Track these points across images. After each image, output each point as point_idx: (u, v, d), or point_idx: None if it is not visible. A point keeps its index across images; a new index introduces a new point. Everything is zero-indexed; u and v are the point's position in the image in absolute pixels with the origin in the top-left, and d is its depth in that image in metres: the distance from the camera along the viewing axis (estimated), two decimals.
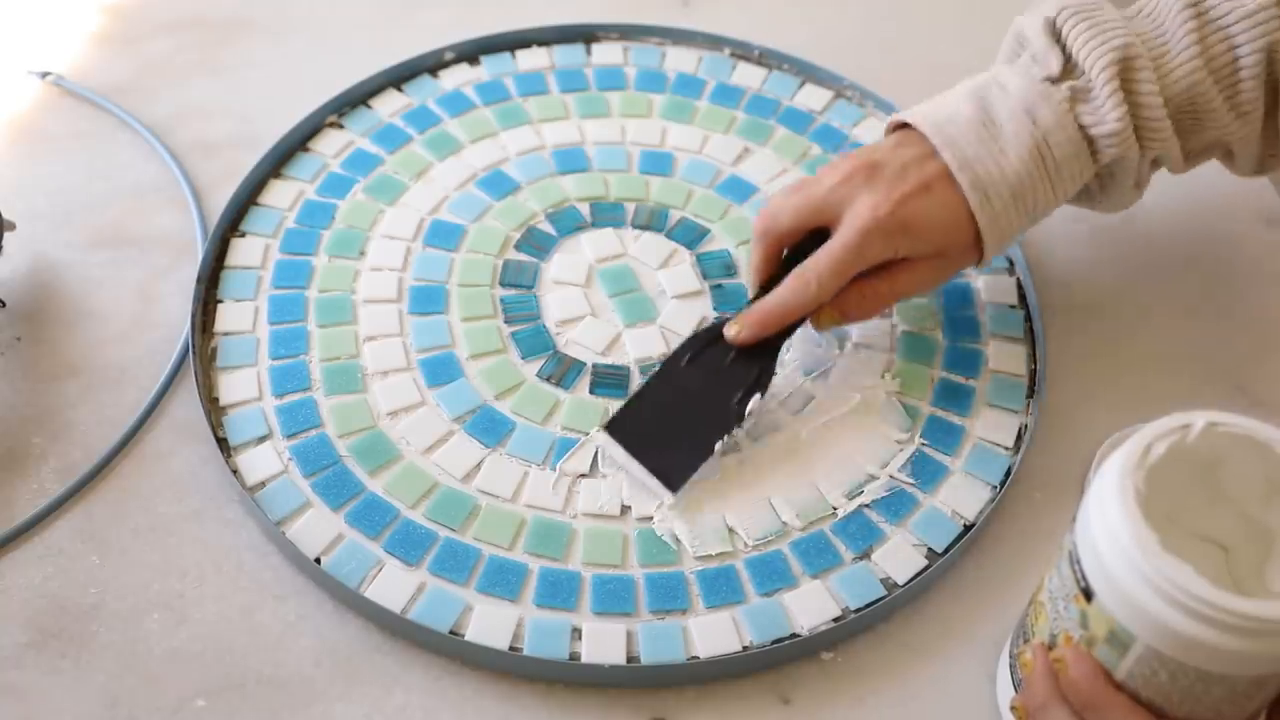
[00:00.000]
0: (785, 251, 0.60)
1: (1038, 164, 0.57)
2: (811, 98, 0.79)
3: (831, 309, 0.59)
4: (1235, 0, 0.56)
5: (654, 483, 0.58)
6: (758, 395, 0.59)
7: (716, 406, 0.59)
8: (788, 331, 0.60)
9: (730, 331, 0.60)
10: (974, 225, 0.58)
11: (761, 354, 0.60)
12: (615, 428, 0.60)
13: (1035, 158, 0.57)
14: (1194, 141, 0.59)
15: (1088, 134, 0.57)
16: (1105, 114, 0.57)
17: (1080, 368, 0.66)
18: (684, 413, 0.59)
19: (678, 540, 0.57)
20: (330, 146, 0.74)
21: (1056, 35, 0.58)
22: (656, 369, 0.61)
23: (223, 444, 0.60)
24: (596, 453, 0.60)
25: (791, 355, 0.65)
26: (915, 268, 0.59)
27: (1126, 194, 0.61)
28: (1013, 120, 0.58)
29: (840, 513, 0.59)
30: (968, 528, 0.58)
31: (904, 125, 0.60)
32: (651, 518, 0.58)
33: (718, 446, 0.58)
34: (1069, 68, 0.58)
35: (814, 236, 0.59)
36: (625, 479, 0.59)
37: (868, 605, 0.55)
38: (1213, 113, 0.57)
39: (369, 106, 0.76)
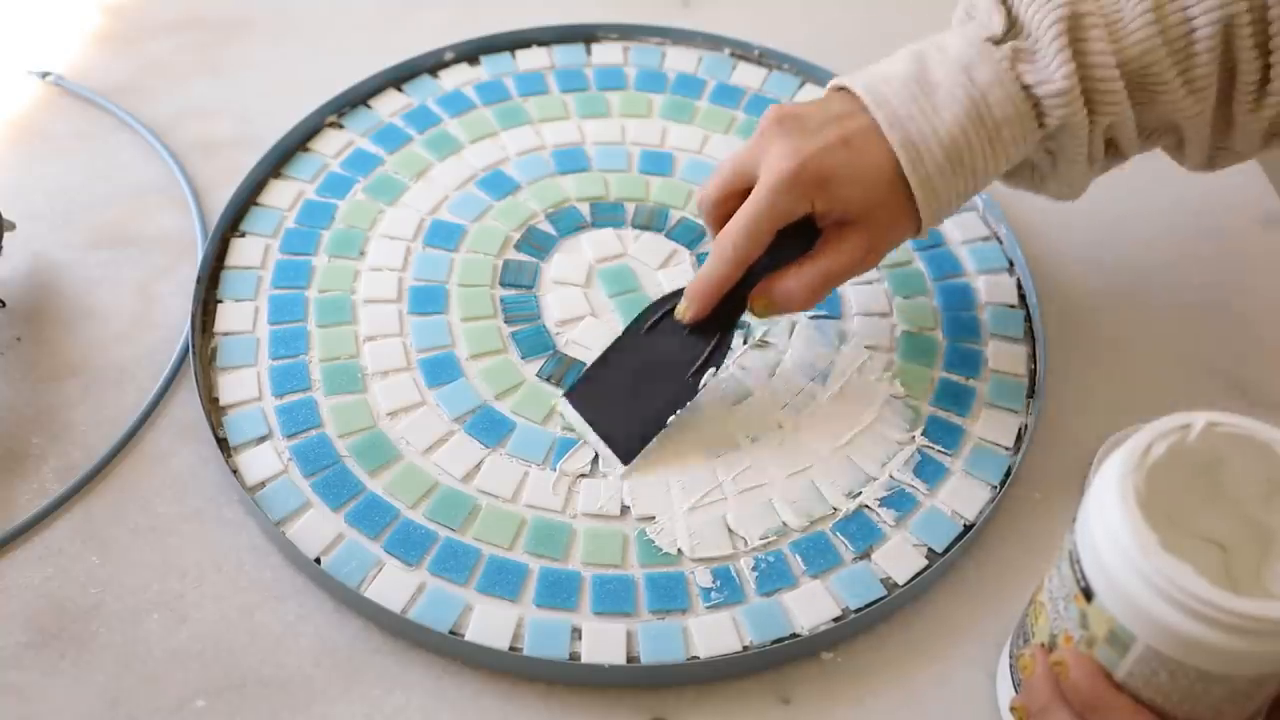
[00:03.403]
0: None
1: (975, 123, 0.55)
2: (812, 98, 0.79)
3: (760, 296, 0.58)
4: None
5: (607, 452, 0.59)
6: (712, 369, 0.59)
7: (673, 378, 0.60)
8: (735, 305, 0.59)
9: (679, 310, 0.59)
10: (905, 189, 0.56)
11: (715, 327, 0.59)
12: (575, 394, 0.61)
13: (972, 117, 0.54)
14: (1146, 117, 0.56)
15: (1031, 94, 0.55)
16: (1051, 72, 0.54)
17: (1080, 368, 0.66)
18: (642, 382, 0.60)
19: (679, 551, 0.57)
20: (330, 146, 0.74)
21: None
22: (619, 336, 0.61)
23: (223, 444, 0.60)
24: (596, 453, 0.60)
25: (791, 355, 0.65)
26: (842, 240, 0.56)
27: (1078, 172, 0.58)
28: (949, 79, 0.55)
29: (840, 513, 0.59)
30: (968, 528, 0.58)
31: (838, 89, 0.58)
32: (653, 518, 0.58)
33: (670, 420, 0.59)
34: (1014, 29, 0.55)
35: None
36: (589, 443, 0.60)
37: (868, 605, 0.55)
38: (1165, 86, 0.54)
39: (369, 106, 0.76)
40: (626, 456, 0.59)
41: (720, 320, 0.59)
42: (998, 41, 0.55)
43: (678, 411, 0.59)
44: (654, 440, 0.59)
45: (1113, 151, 0.58)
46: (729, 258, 0.56)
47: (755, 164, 0.56)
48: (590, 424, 0.60)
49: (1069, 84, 0.54)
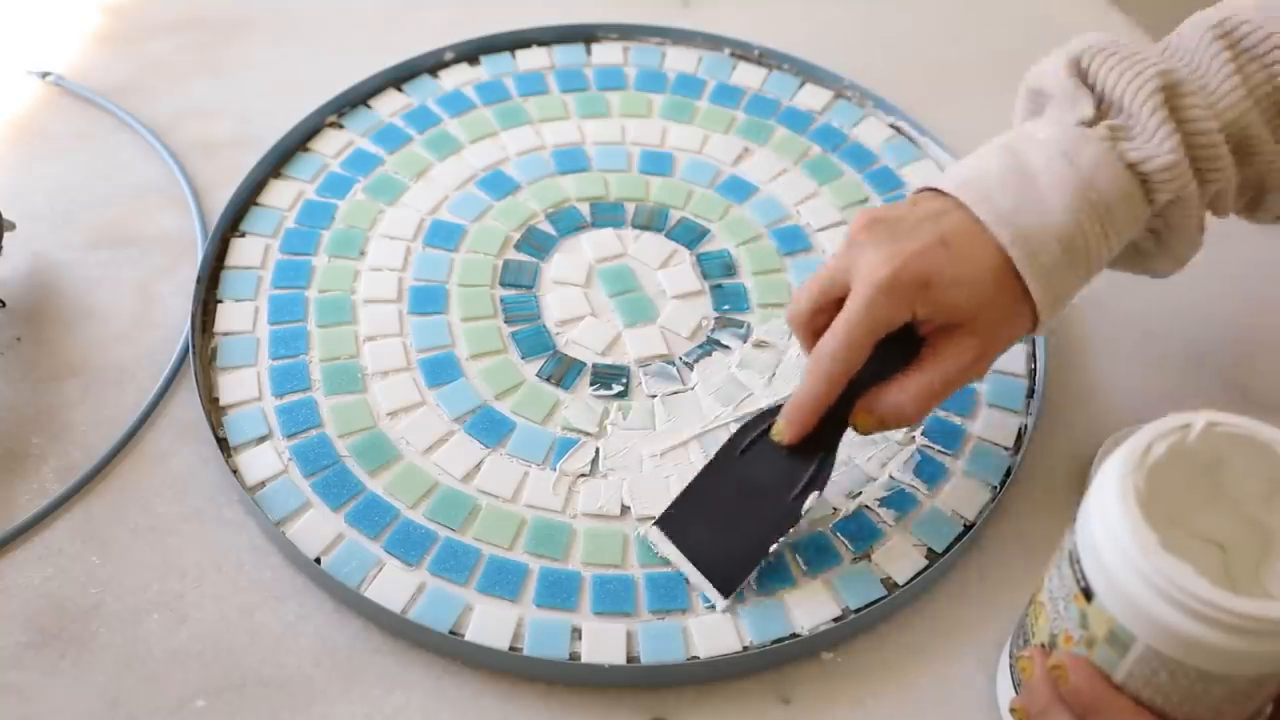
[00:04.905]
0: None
1: (1085, 209, 0.51)
2: (811, 98, 0.79)
3: (864, 412, 0.53)
4: (1265, 28, 0.52)
5: (707, 586, 0.55)
6: (816, 492, 0.54)
7: (772, 502, 0.55)
8: (836, 423, 0.54)
9: (776, 432, 0.55)
10: (1014, 285, 0.52)
11: (816, 446, 0.55)
12: (667, 524, 0.56)
13: (1081, 203, 0.51)
14: (1241, 178, 0.54)
15: (1138, 171, 0.52)
16: (1156, 146, 0.51)
17: (1080, 368, 0.66)
18: (740, 508, 0.55)
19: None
20: (330, 146, 0.74)
21: (1084, 76, 0.53)
22: (710, 459, 0.57)
23: (223, 444, 0.60)
24: (596, 453, 0.60)
25: (791, 355, 0.65)
26: (950, 346, 0.52)
27: (1188, 243, 0.55)
28: (1050, 168, 0.52)
29: (840, 513, 0.59)
30: (968, 528, 0.58)
31: (928, 190, 0.55)
32: (654, 518, 0.58)
33: (773, 548, 0.55)
34: (1104, 108, 0.53)
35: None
36: (685, 574, 0.56)
37: (868, 605, 0.55)
38: (1261, 145, 0.53)
39: (369, 106, 0.77)
40: (726, 589, 0.55)
41: (821, 439, 0.54)
42: (1091, 124, 0.53)
43: (780, 539, 0.54)
44: (754, 571, 0.55)
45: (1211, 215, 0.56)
46: (826, 374, 0.52)
47: (847, 273, 0.52)
48: (686, 555, 0.56)
49: (1176, 157, 0.51)
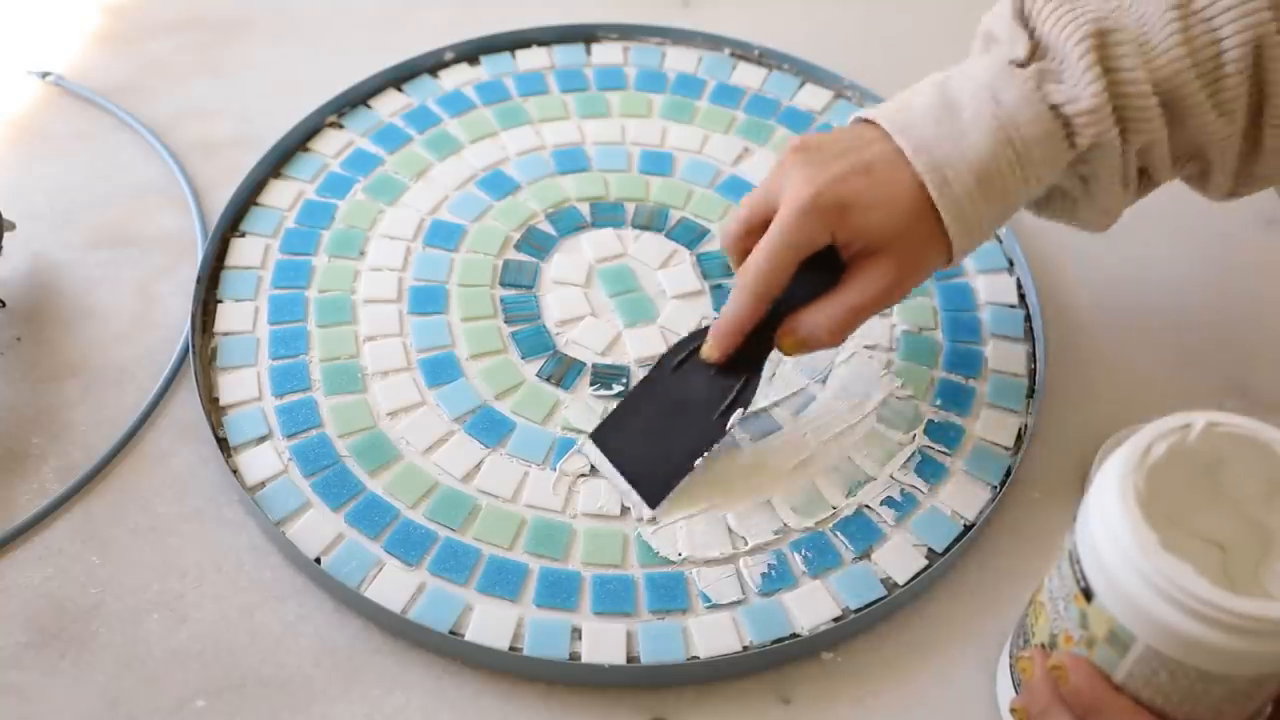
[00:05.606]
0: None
1: (1003, 145, 0.52)
2: (811, 98, 0.79)
3: (786, 333, 0.56)
4: None
5: (634, 497, 0.58)
6: (740, 410, 0.57)
7: (699, 419, 0.58)
8: (763, 344, 0.57)
9: (704, 350, 0.57)
10: (931, 214, 0.53)
11: (744, 367, 0.57)
12: (600, 436, 0.59)
13: (1000, 138, 0.52)
14: (1175, 141, 0.54)
15: (1060, 113, 0.52)
16: (1080, 90, 0.52)
17: (1080, 368, 0.66)
18: (669, 423, 0.58)
19: (679, 554, 0.57)
20: (330, 146, 0.74)
21: (1024, 20, 0.54)
22: (646, 374, 0.60)
23: (223, 444, 0.60)
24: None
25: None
26: (868, 270, 0.54)
27: (1113, 196, 0.56)
28: (974, 103, 0.53)
29: (840, 513, 0.59)
30: (968, 528, 0.58)
31: (861, 120, 0.56)
32: (654, 518, 0.58)
33: (698, 463, 0.58)
34: (1038, 50, 0.53)
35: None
36: (615, 486, 0.59)
37: (868, 605, 0.55)
38: (1196, 108, 0.52)
39: (369, 106, 0.77)
40: (653, 501, 0.57)
41: (748, 359, 0.57)
42: (1023, 64, 0.53)
43: (705, 454, 0.57)
44: (682, 482, 0.58)
45: (1144, 179, 0.56)
46: (750, 292, 0.54)
47: (775, 196, 0.54)
48: (616, 467, 0.58)
49: (1098, 101, 0.52)
